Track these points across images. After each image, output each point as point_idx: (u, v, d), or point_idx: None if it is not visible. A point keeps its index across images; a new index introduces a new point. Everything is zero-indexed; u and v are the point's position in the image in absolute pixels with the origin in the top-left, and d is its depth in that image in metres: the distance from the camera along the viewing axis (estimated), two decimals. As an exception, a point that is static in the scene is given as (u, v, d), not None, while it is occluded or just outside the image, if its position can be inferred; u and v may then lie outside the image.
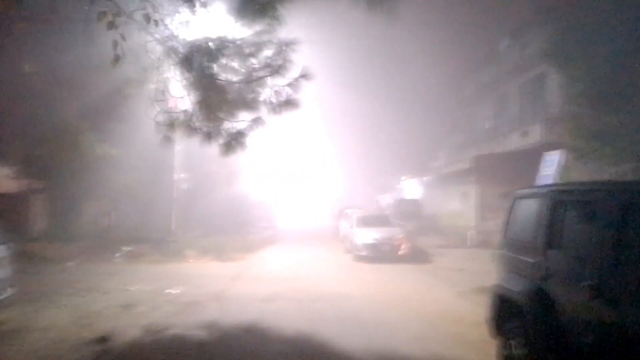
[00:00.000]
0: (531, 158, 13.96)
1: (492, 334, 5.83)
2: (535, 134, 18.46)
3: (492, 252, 13.71)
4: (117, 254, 16.97)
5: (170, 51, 9.23)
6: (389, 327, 8.28)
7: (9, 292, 7.82)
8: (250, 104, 10.07)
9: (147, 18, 6.88)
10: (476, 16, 20.98)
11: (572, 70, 13.02)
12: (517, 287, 5.31)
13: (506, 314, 5.51)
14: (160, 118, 9.84)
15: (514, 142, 20.44)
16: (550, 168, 11.74)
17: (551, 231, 4.94)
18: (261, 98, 10.02)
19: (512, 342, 5.32)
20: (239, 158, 18.55)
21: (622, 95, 11.42)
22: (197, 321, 8.38)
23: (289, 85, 10.03)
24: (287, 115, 10.24)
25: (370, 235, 17.52)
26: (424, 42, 23.60)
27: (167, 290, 11.16)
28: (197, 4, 7.82)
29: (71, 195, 18.92)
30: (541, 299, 4.86)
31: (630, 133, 11.29)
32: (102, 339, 7.11)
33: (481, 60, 26.31)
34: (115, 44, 6.43)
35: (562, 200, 4.91)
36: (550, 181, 11.50)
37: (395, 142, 30.82)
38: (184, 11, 8.54)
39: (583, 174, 12.26)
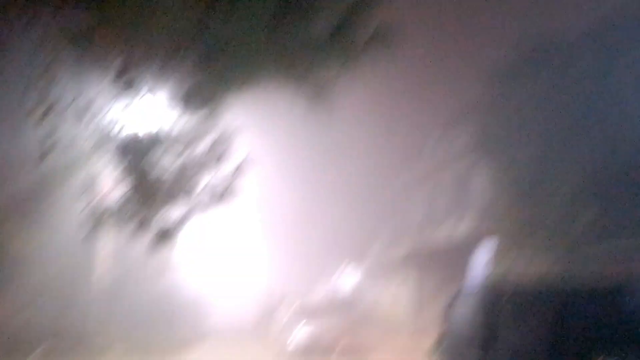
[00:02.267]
0: (466, 247, 14.26)
1: None
2: (468, 224, 19.04)
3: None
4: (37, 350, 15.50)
5: (104, 142, 8.96)
6: None
7: None
8: (188, 194, 9.81)
9: (80, 113, 6.66)
10: (410, 110, 22.18)
11: (498, 163, 13.76)
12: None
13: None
14: (88, 211, 9.35)
15: (448, 230, 20.98)
16: (484, 258, 11.99)
17: (490, 330, 4.88)
18: (199, 188, 9.80)
19: None
20: (171, 250, 17.85)
21: (547, 186, 12.09)
22: None
23: (230, 175, 9.92)
24: (226, 206, 10.04)
25: (306, 328, 16.96)
26: (362, 132, 24.49)
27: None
28: (138, 94, 7.70)
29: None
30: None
31: (557, 223, 11.84)
32: None
33: (415, 151, 27.49)
34: (42, 141, 6.07)
35: (499, 297, 4.90)
36: (484, 271, 11.70)
37: (334, 228, 30.87)
38: (122, 101, 8.40)
39: (516, 263, 12.60)
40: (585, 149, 11.39)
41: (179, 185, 9.79)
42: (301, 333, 16.81)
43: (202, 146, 9.85)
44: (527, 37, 13.05)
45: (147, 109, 8.79)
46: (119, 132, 9.03)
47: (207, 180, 9.80)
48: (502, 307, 4.80)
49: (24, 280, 18.15)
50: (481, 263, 12.44)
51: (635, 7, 11.24)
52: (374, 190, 29.65)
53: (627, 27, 10.92)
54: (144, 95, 7.84)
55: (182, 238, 10.08)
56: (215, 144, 9.79)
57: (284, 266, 42.00)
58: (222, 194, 9.90)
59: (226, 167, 9.84)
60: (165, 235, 9.77)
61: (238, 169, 9.81)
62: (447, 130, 23.87)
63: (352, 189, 28.62)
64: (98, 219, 9.31)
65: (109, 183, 9.61)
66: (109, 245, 18.68)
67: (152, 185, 9.44)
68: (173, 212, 9.91)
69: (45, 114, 5.90)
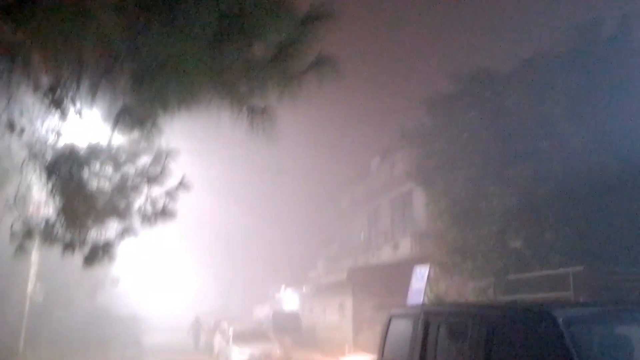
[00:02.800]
0: (403, 270, 14.58)
1: None
2: (405, 247, 19.49)
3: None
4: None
5: (36, 155, 8.66)
6: None
7: None
8: (121, 213, 9.57)
9: (11, 125, 6.45)
10: (352, 137, 22.61)
11: (433, 190, 14.20)
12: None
13: None
14: (17, 226, 8.98)
15: (387, 254, 21.36)
16: (421, 282, 12.30)
17: (424, 351, 5.02)
18: (135, 207, 9.59)
19: None
20: (105, 268, 17.24)
21: (479, 214, 12.55)
22: None
23: (166, 194, 9.76)
24: (161, 224, 9.85)
25: (246, 352, 16.72)
26: (304, 157, 24.73)
27: None
28: (70, 111, 7.52)
29: None
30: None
31: (488, 249, 12.30)
32: None
33: (355, 177, 27.96)
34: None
35: (434, 321, 5.07)
36: (420, 295, 11.98)
37: (275, 252, 30.82)
38: (55, 116, 8.17)
39: (450, 288, 12.96)
40: (517, 177, 11.88)
41: (113, 203, 9.57)
42: (242, 356, 16.54)
43: (137, 165, 9.68)
44: (465, 68, 13.67)
45: (80, 127, 8.58)
46: (51, 147, 8.76)
47: (142, 199, 9.62)
48: (436, 330, 4.96)
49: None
50: (417, 287, 12.73)
51: (563, 43, 11.95)
52: (314, 214, 29.87)
53: (557, 61, 11.58)
54: (75, 113, 7.65)
55: (116, 256, 9.81)
56: (151, 164, 9.64)
57: (221, 289, 41.30)
58: (157, 215, 9.73)
59: (162, 188, 9.70)
60: (97, 253, 9.48)
61: (174, 190, 9.68)
62: (387, 156, 24.45)
63: (292, 213, 28.75)
64: (29, 234, 8.94)
65: (41, 198, 9.26)
66: (41, 262, 17.86)
67: (85, 202, 9.17)
68: (106, 230, 9.66)
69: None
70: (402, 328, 5.57)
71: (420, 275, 12.70)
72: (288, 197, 27.99)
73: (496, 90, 12.92)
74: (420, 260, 14.54)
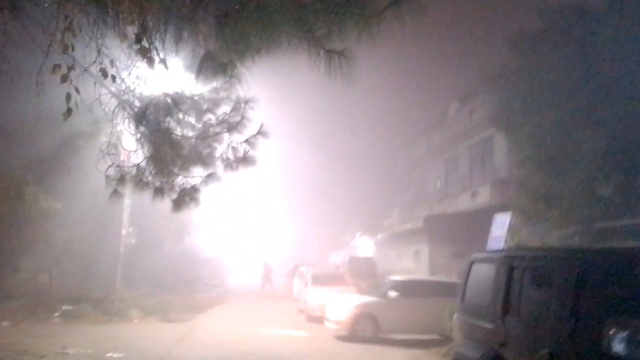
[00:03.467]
0: (481, 218, 14.28)
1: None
2: (485, 195, 19.00)
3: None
4: (56, 314, 15.94)
5: (125, 104, 9.07)
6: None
7: None
8: (205, 160, 9.94)
9: (104, 73, 6.77)
10: (428, 81, 21.94)
11: (517, 136, 13.58)
12: (474, 354, 5.24)
13: (464, 381, 5.40)
14: (111, 172, 9.56)
15: (464, 202, 20.96)
16: (501, 229, 12.01)
17: (508, 297, 4.94)
18: (217, 154, 9.92)
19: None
20: (190, 213, 18.15)
21: (567, 159, 11.94)
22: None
23: (246, 141, 10.01)
24: (243, 171, 10.16)
25: (324, 294, 17.23)
26: (380, 103, 24.38)
27: (109, 354, 10.46)
28: (156, 60, 7.77)
29: (8, 249, 17.85)
30: (499, 366, 4.79)
31: (575, 196, 11.74)
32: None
33: (432, 123, 27.28)
34: (68, 97, 6.25)
35: (518, 266, 4.95)
36: (500, 242, 11.72)
37: (349, 200, 31.08)
38: (142, 66, 8.47)
39: (532, 236, 12.57)
40: (608, 120, 11.16)
41: (197, 151, 9.92)
42: (317, 300, 17.04)
43: (220, 112, 9.92)
44: (552, 4, 12.75)
45: (165, 75, 8.85)
46: (138, 97, 9.13)
47: (224, 147, 9.92)
48: (520, 275, 4.86)
49: (50, 240, 18.69)
50: (497, 235, 12.47)
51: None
52: (389, 161, 29.62)
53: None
54: (160, 62, 7.88)
55: (201, 201, 10.27)
56: (231, 112, 9.85)
57: (298, 235, 42.44)
58: (238, 161, 10.00)
59: (242, 135, 9.92)
60: (184, 198, 9.96)
61: (254, 138, 9.89)
62: (466, 101, 23.58)
63: (367, 160, 28.62)
64: (122, 180, 9.52)
65: (130, 146, 9.78)
66: (133, 207, 19.05)
67: (171, 149, 9.58)
68: (192, 176, 10.08)
69: (68, 73, 6.02)
70: (485, 273, 5.50)
71: (501, 223, 12.39)
72: (363, 144, 27.88)
73: (586, 27, 11.96)
74: (500, 209, 14.15)
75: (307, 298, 17.97)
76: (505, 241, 12.18)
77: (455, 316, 6.35)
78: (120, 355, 10.52)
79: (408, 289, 13.54)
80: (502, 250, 6.48)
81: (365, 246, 32.66)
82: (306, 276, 20.37)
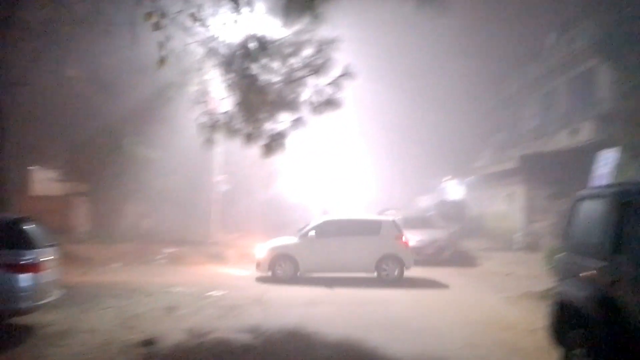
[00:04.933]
0: (581, 157, 13.36)
1: (553, 343, 5.48)
2: (586, 132, 17.71)
3: (540, 256, 13.18)
4: (159, 256, 17.13)
5: (212, 53, 9.20)
6: (436, 332, 7.99)
7: (57, 294, 7.89)
8: (290, 105, 9.97)
9: (193, 18, 6.84)
10: (521, 11, 20.37)
11: (624, 65, 12.41)
12: (581, 293, 4.96)
13: (568, 322, 5.16)
14: (202, 120, 9.86)
15: (562, 140, 19.68)
16: (605, 167, 11.17)
17: (619, 234, 4.58)
18: (302, 98, 9.90)
19: (575, 352, 4.96)
20: (277, 159, 18.51)
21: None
22: (239, 325, 8.28)
23: (330, 84, 9.88)
24: (327, 114, 10.10)
25: (412, 238, 17.13)
26: (468, 38, 23.08)
27: (209, 293, 11.12)
28: (240, 4, 7.73)
29: (113, 197, 19.24)
30: (608, 306, 4.51)
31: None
32: (147, 342, 7.07)
33: (526, 57, 25.52)
34: (160, 45, 6.40)
35: (630, 202, 4.55)
36: (605, 181, 10.94)
37: (437, 142, 30.26)
38: (226, 12, 8.48)
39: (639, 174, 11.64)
40: None
41: (282, 96, 9.94)
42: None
43: (304, 56, 9.82)
44: None
45: (249, 21, 8.84)
46: (225, 44, 9.20)
47: (309, 91, 9.87)
48: (633, 211, 4.48)
49: (150, 188, 19.91)
50: (601, 173, 11.62)
51: None
52: (482, 99, 28.27)
53: None
54: (246, 7, 7.83)
55: (288, 147, 10.38)
56: (314, 55, 9.72)
57: (386, 178, 42.23)
58: (323, 104, 9.93)
59: (326, 78, 9.81)
60: (272, 144, 10.11)
61: (338, 80, 9.73)
62: (564, 30, 21.71)
63: (457, 100, 27.44)
64: (213, 127, 9.80)
65: (219, 93, 9.98)
66: (224, 153, 19.71)
67: (258, 95, 9.66)
68: (279, 121, 10.17)
69: (159, 21, 6.13)
70: (593, 210, 5.12)
71: (606, 161, 11.49)
72: (450, 84, 26.70)
73: None
74: (603, 146, 13.11)
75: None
76: (610, 179, 11.35)
77: (557, 256, 6.03)
78: (220, 293, 11.15)
79: (326, 229, 13.70)
80: (613, 185, 5.98)
81: (454, 189, 31.96)
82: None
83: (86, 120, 16.67)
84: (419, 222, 19.26)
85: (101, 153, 17.31)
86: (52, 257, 7.78)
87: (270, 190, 27.03)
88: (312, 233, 13.63)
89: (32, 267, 7.06)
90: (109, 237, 18.00)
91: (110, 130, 17.17)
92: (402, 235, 13.69)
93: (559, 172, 16.78)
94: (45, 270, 7.38)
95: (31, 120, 14.79)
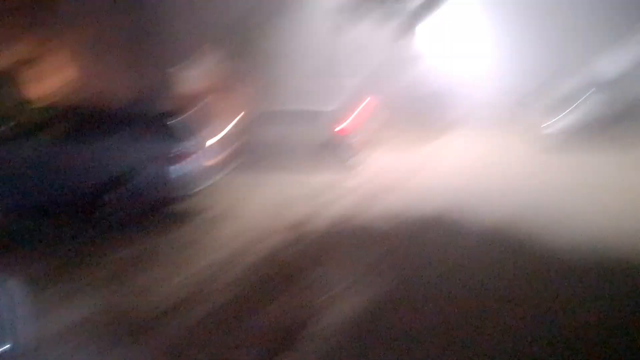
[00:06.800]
0: None
1: None
2: None
3: None
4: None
5: None
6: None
7: (211, 181, 8.26)
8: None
9: None
10: None
11: None
12: None
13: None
14: (331, 5, 9.36)
15: None
16: None
17: None
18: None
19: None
20: (414, 40, 17.26)
21: None
22: (379, 212, 8.17)
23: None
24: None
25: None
26: None
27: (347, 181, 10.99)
28: None
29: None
30: None
31: None
32: (293, 227, 7.37)
33: None
34: None
35: None
36: None
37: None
38: None
39: None
40: None
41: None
42: (558, 118, 15.27)
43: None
44: None
45: None
46: None
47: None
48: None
49: (277, 77, 19.73)
50: None
51: None
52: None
53: None
54: None
55: (423, 28, 9.66)
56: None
57: (527, 63, 38.51)
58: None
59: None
60: (405, 24, 9.52)
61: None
62: None
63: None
64: (341, 12, 9.36)
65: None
66: (354, 39, 18.95)
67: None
68: (409, 5, 9.49)
69: None
70: None
71: None
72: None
73: None
74: None
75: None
76: None
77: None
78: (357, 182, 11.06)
79: None
80: None
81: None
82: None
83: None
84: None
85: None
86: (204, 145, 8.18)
87: (405, 76, 25.90)
88: None
89: (183, 157, 7.47)
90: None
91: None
92: None
93: None
94: (198, 159, 7.82)
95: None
